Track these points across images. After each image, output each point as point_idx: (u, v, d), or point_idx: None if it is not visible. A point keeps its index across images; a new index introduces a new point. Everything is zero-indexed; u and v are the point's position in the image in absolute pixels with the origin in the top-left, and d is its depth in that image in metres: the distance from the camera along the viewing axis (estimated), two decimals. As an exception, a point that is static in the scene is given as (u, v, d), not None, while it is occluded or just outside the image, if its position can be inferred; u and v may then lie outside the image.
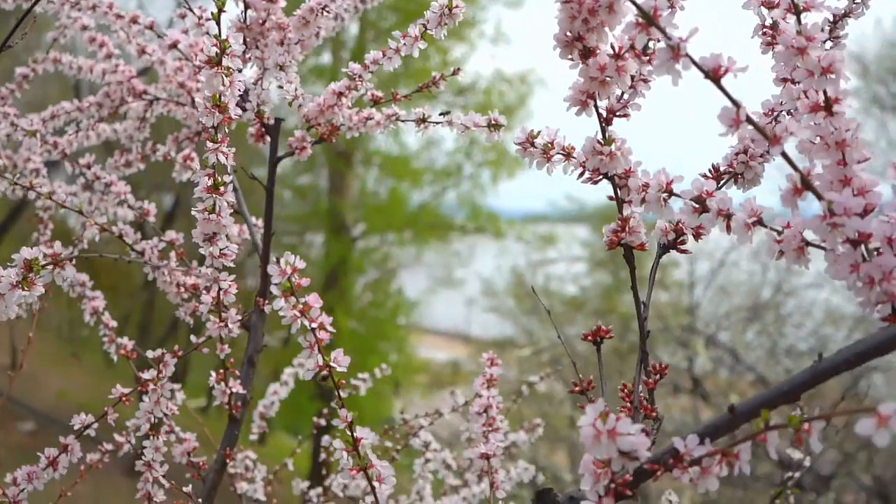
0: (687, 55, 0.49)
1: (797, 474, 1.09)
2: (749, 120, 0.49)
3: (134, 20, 1.09)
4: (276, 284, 0.60)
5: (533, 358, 8.54)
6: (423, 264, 12.04)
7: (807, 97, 0.54)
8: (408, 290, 11.77)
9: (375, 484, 0.63)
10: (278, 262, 0.60)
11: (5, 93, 1.32)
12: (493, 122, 0.82)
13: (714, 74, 0.50)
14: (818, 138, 0.53)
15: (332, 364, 0.62)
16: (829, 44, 0.71)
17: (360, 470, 0.63)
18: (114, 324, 1.08)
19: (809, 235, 0.54)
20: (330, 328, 0.62)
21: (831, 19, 0.71)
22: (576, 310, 9.67)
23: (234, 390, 0.95)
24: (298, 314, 0.61)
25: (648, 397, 0.64)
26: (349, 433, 0.64)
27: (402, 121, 0.96)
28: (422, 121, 0.94)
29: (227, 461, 0.97)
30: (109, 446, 1.11)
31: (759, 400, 0.50)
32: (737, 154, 0.67)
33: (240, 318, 0.89)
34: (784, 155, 0.50)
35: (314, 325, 0.61)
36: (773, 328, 6.62)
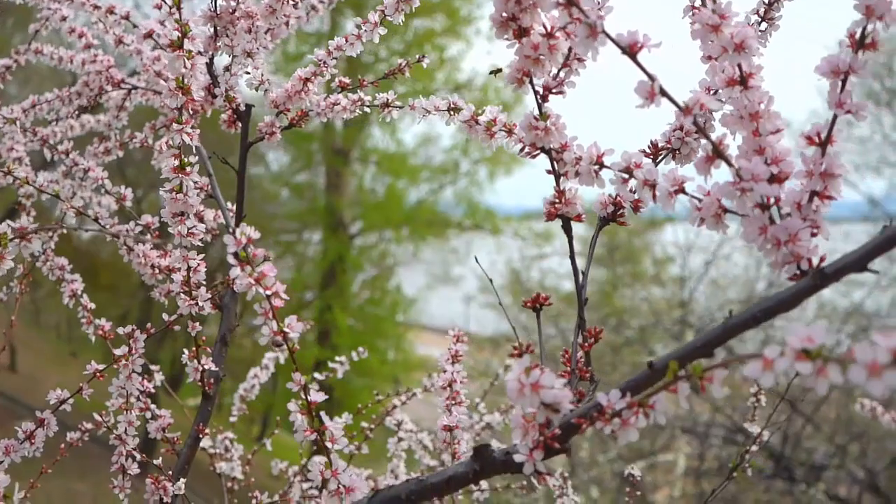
0: (604, 32, 0.52)
1: (754, 447, 1.12)
2: (662, 92, 0.53)
3: (110, 10, 1.12)
4: (231, 254, 0.63)
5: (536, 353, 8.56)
6: (421, 261, 12.08)
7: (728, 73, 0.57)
8: (405, 287, 11.81)
9: (328, 444, 0.67)
10: (234, 232, 0.63)
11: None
12: (452, 106, 0.85)
13: (631, 50, 0.53)
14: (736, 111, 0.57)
15: (286, 330, 0.66)
16: (763, 24, 0.74)
17: (314, 431, 0.67)
18: (92, 306, 1.11)
19: (727, 203, 0.57)
20: (284, 296, 0.65)
21: (766, 1, 0.74)
22: (571, 305, 9.71)
23: (206, 367, 0.99)
24: (254, 282, 0.64)
25: (585, 360, 0.67)
26: (304, 396, 0.67)
27: (368, 106, 0.99)
28: (385, 105, 0.98)
29: (200, 436, 1.01)
30: (89, 425, 1.14)
31: (674, 354, 0.53)
32: (674, 130, 0.70)
33: (210, 296, 0.93)
34: (696, 125, 0.53)
35: (269, 292, 0.64)
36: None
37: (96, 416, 1.16)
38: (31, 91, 1.45)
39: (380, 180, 12.05)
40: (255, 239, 0.65)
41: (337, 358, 1.37)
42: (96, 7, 1.14)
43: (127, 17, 1.14)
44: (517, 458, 0.57)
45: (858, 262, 0.50)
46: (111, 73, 1.21)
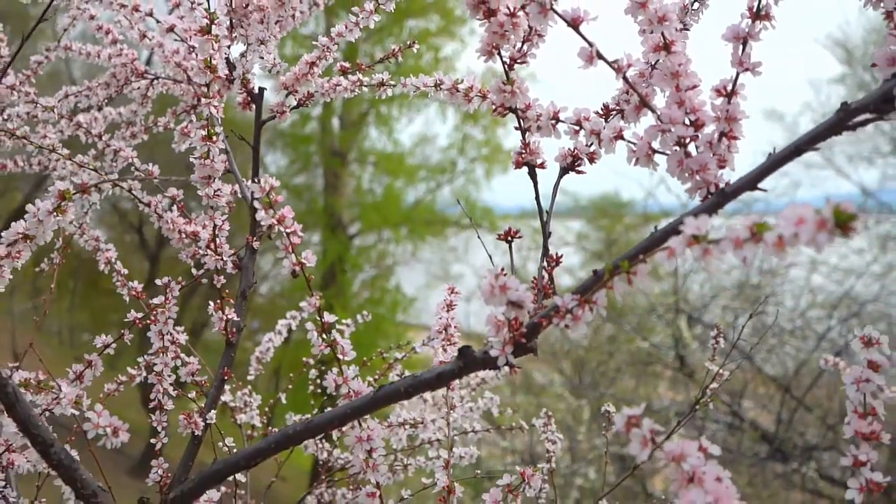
0: (552, 9, 0.67)
1: (714, 385, 1.25)
2: (599, 55, 0.67)
3: (136, 8, 1.27)
4: (256, 199, 0.78)
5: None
6: (420, 260, 12.21)
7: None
8: (405, 286, 11.93)
9: (341, 355, 0.81)
10: (259, 181, 0.77)
11: (22, 78, 1.49)
12: (438, 82, 0.99)
13: (574, 23, 0.67)
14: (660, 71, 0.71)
15: (303, 261, 0.80)
16: (696, 4, 0.88)
17: (328, 345, 0.81)
18: (125, 271, 1.26)
19: (655, 145, 0.72)
20: (301, 234, 0.79)
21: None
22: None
23: (229, 317, 1.13)
24: (276, 222, 0.79)
25: (549, 280, 0.81)
26: (319, 317, 0.81)
27: (365, 86, 1.13)
28: (381, 84, 1.12)
29: (225, 378, 1.15)
30: (123, 378, 1.28)
31: (613, 262, 0.68)
32: (622, 94, 0.85)
33: (232, 252, 1.07)
34: (625, 79, 0.68)
35: (289, 230, 0.79)
36: (757, 308, 6.80)
37: (130, 370, 1.30)
38: (56, 86, 1.60)
39: (377, 181, 12.18)
40: (275, 186, 0.79)
41: (343, 321, 1.51)
42: (123, 6, 1.28)
43: (150, 14, 1.28)
44: (492, 352, 0.71)
45: (750, 182, 0.64)
46: (135, 65, 1.36)
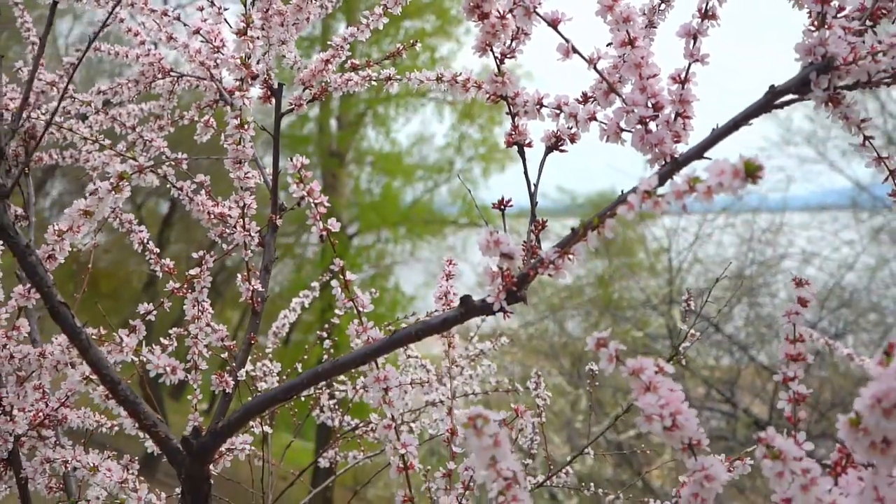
0: (535, 12, 0.81)
1: (687, 345, 1.39)
2: (574, 49, 0.81)
3: (164, 13, 1.41)
4: (290, 175, 0.92)
5: (536, 347, 8.90)
6: (419, 259, 12.35)
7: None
8: (404, 285, 12.07)
9: (361, 308, 0.95)
10: (292, 158, 0.91)
11: (55, 78, 1.63)
12: (439, 76, 1.14)
13: (554, 23, 0.82)
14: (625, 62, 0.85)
15: (329, 227, 0.94)
16: (663, 5, 1.02)
17: (349, 299, 0.95)
18: (157, 250, 1.40)
19: (623, 125, 0.86)
20: (327, 204, 0.93)
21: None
22: (569, 298, 10.00)
23: (255, 288, 1.27)
24: (306, 194, 0.93)
25: (536, 240, 0.96)
26: (342, 277, 0.95)
27: (374, 80, 1.28)
28: (388, 79, 1.26)
29: (252, 342, 1.29)
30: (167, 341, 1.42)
31: (586, 219, 0.82)
32: (597, 83, 0.99)
33: (259, 229, 1.21)
34: (596, 70, 0.82)
35: (316, 201, 0.93)
36: (750, 299, 6.97)
37: (163, 340, 1.44)
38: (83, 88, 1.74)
39: (375, 181, 12.31)
40: (306, 164, 0.93)
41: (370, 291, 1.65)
42: (152, 10, 1.42)
43: (178, 18, 1.42)
44: (488, 299, 0.85)
45: (697, 153, 0.78)
46: (162, 63, 1.50)
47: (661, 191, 0.68)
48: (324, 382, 1.93)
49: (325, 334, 1.79)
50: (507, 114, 0.95)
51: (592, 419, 6.73)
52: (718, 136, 0.78)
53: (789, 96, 0.76)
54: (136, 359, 0.93)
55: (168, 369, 0.89)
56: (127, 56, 1.55)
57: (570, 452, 7.06)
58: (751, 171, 0.59)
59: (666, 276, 8.19)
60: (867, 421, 0.55)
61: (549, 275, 0.83)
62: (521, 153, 0.95)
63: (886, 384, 0.53)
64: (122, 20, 1.53)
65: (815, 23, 0.76)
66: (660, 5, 1.02)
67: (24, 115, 1.43)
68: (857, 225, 8.40)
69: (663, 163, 0.82)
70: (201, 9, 1.43)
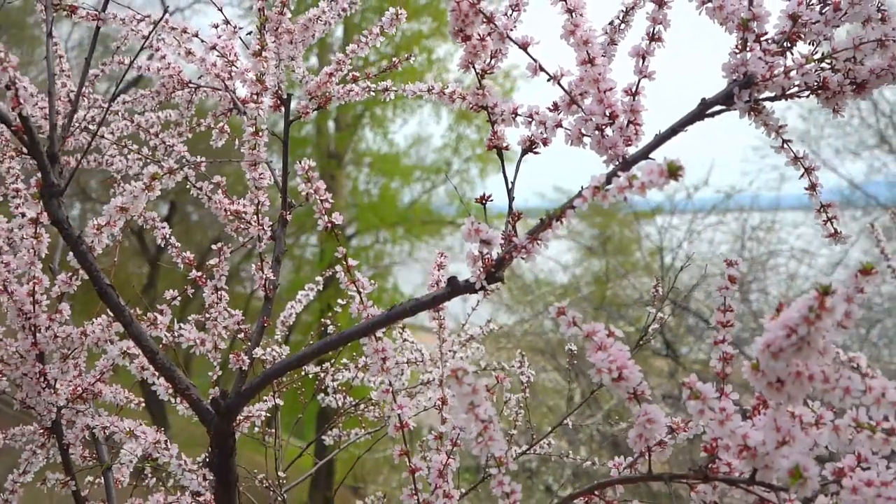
0: (508, 37, 0.96)
1: (656, 326, 1.54)
2: (541, 68, 0.97)
3: (184, 30, 1.56)
4: (299, 175, 1.07)
5: (532, 344, 9.06)
6: (417, 260, 12.49)
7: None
8: (403, 286, 12.21)
9: (362, 289, 1.10)
10: (300, 161, 1.07)
11: (86, 90, 1.78)
12: (430, 88, 1.29)
13: (524, 46, 0.97)
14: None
15: (333, 220, 1.09)
16: (623, 25, 1.18)
17: (351, 282, 1.10)
18: (178, 245, 1.55)
19: (584, 131, 1.01)
20: (331, 200, 1.09)
21: (623, 10, 1.18)
22: (565, 296, 10.14)
23: (267, 276, 1.42)
24: (312, 192, 1.08)
25: (513, 230, 1.11)
26: (345, 262, 1.11)
27: (374, 91, 1.43)
28: (386, 89, 1.42)
29: (265, 325, 1.44)
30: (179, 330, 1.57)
31: (551, 210, 0.97)
32: (563, 95, 1.14)
33: (271, 223, 1.36)
34: (559, 85, 0.97)
35: (322, 198, 1.08)
36: (741, 294, 7.13)
37: (190, 318, 1.59)
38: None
39: (373, 182, 12.45)
40: (313, 166, 1.08)
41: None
42: (173, 28, 1.57)
43: (196, 35, 1.57)
44: (471, 279, 1.01)
45: (643, 154, 0.93)
46: (181, 76, 1.65)
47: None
48: (329, 374, 2.08)
49: (328, 321, 1.95)
50: (487, 121, 1.10)
51: (585, 414, 6.87)
52: (660, 140, 0.93)
53: (718, 107, 0.92)
54: (167, 335, 1.09)
55: (198, 341, 1.04)
56: (149, 69, 1.71)
57: (566, 447, 7.23)
58: (673, 171, 0.74)
59: (659, 275, 8.36)
60: (761, 363, 0.70)
61: (523, 258, 0.98)
62: (500, 156, 1.10)
63: (774, 333, 0.69)
64: (144, 37, 1.68)
65: (739, 46, 0.91)
66: (620, 25, 1.18)
67: (70, 122, 1.58)
68: (852, 223, 8.56)
69: (617, 163, 0.97)
70: (216, 26, 1.59)
